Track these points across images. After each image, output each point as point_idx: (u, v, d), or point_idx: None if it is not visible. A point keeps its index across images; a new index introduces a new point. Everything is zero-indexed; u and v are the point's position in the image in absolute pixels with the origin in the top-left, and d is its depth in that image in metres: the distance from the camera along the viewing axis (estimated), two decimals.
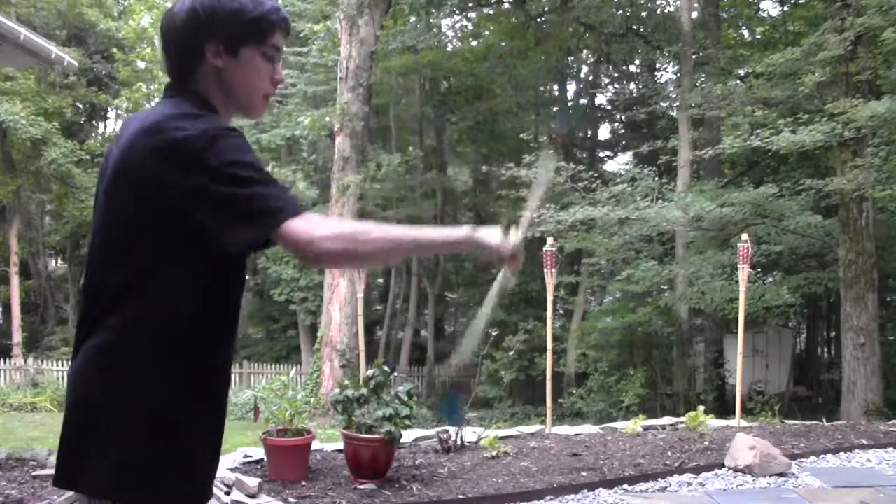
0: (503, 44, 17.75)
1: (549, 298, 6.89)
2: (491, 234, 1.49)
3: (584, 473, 4.91)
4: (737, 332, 7.80)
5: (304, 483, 4.51)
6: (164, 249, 1.38)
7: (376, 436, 4.57)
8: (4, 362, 15.68)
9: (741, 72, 13.68)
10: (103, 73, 20.11)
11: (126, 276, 1.40)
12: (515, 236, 1.51)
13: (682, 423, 6.74)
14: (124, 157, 1.41)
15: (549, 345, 7.04)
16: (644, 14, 17.33)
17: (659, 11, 17.52)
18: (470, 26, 20.05)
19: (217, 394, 1.52)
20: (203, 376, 1.46)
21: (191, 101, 1.46)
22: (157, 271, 1.39)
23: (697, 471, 5.10)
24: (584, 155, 19.51)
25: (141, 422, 1.37)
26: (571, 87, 21.45)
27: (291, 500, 4.19)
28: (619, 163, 20.90)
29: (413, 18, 15.95)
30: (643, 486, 4.82)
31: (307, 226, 1.31)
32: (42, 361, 16.08)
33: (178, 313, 1.40)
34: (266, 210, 1.31)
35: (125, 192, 1.40)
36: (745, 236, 7.23)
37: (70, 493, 3.69)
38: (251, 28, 1.48)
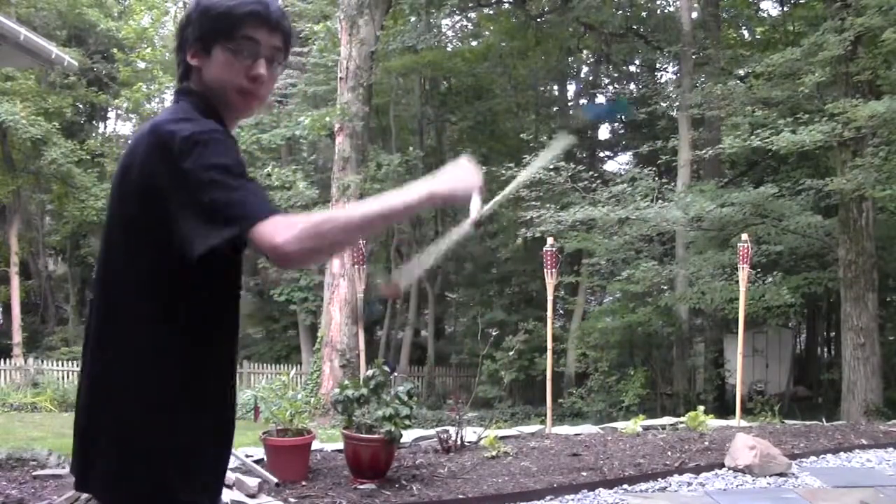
0: (503, 44, 17.76)
1: (549, 298, 6.90)
2: (454, 178, 1.46)
3: (584, 473, 4.91)
4: (737, 332, 7.80)
5: (304, 483, 4.52)
6: (160, 253, 1.39)
7: (376, 436, 4.57)
8: (4, 362, 15.66)
9: (741, 72, 13.66)
10: (103, 73, 20.06)
11: (127, 280, 1.43)
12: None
13: (682, 423, 6.75)
14: (129, 157, 1.46)
15: (549, 345, 7.04)
16: (644, 14, 17.34)
17: (659, 11, 17.52)
18: (470, 26, 20.08)
19: (216, 393, 1.51)
20: (201, 377, 1.47)
21: (190, 104, 1.48)
22: (155, 276, 1.41)
23: (697, 471, 5.10)
24: (584, 155, 19.47)
25: (135, 424, 1.40)
26: (571, 87, 21.48)
27: (291, 500, 4.19)
28: (619, 163, 20.94)
29: (413, 18, 15.95)
30: (643, 485, 4.82)
31: (272, 231, 1.27)
32: (42, 361, 16.07)
33: (173, 318, 1.42)
34: (231, 216, 1.29)
35: (128, 191, 1.44)
36: (745, 236, 7.24)
37: (70, 493, 3.70)
38: (217, 24, 1.47)
